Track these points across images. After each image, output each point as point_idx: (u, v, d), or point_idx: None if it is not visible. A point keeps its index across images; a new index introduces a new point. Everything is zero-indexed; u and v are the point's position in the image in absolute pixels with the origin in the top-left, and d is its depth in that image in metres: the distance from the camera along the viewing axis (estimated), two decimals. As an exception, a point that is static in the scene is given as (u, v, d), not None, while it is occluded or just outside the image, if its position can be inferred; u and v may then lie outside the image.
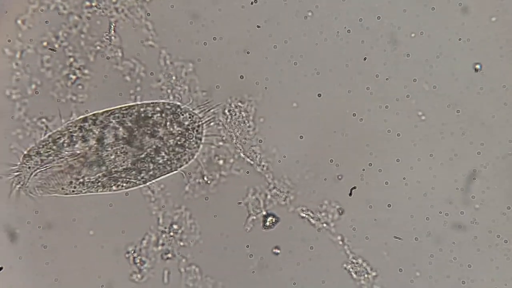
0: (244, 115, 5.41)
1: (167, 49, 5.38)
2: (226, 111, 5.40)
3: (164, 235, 5.45)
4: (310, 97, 5.49)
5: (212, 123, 5.39)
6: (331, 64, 5.50)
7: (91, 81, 5.39)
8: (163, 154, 5.27)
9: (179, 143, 5.29)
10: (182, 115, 5.31)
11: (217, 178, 5.44)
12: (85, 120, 5.28)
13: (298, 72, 5.49)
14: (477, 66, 5.44)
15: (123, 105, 5.32)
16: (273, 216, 5.50)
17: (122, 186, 5.31)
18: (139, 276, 5.47)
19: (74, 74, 5.36)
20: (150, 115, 5.27)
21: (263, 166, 5.45)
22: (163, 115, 5.29)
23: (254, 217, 5.47)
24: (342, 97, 5.50)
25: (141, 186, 5.36)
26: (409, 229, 5.51)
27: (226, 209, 5.49)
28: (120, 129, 5.23)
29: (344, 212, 5.49)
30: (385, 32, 5.48)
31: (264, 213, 5.48)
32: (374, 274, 5.49)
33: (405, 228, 5.51)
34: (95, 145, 5.23)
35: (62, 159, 5.25)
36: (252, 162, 5.43)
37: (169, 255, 5.47)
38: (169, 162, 5.31)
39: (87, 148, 5.24)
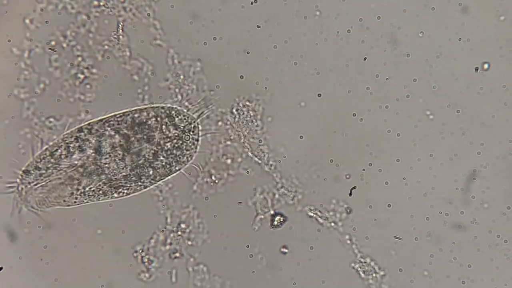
0: (252, 114, 5.41)
1: (174, 48, 5.39)
2: (234, 110, 5.40)
3: (172, 234, 5.45)
4: (310, 97, 5.49)
5: (207, 118, 5.39)
6: (331, 64, 5.50)
7: (99, 80, 5.39)
8: (161, 158, 5.27)
9: (176, 145, 5.28)
10: (177, 117, 5.30)
11: (225, 177, 5.45)
12: (80, 130, 5.27)
13: (298, 72, 5.49)
14: (485, 66, 5.44)
15: (117, 112, 5.31)
16: (281, 215, 5.50)
17: (123, 192, 5.31)
18: (147, 275, 5.47)
19: (82, 73, 5.36)
20: (145, 120, 5.26)
21: (271, 165, 5.45)
22: (158, 119, 5.28)
23: (262, 216, 5.47)
24: (342, 97, 5.51)
25: (143, 190, 5.36)
26: (409, 229, 5.51)
27: (233, 209, 5.49)
28: (116, 136, 5.22)
29: (353, 211, 5.49)
30: (385, 32, 5.48)
31: (272, 212, 5.49)
32: (382, 273, 5.50)
33: (405, 228, 5.51)
34: (93, 155, 5.22)
35: (61, 171, 5.24)
36: (260, 161, 5.43)
37: (177, 254, 5.47)
38: (168, 166, 5.30)
39: (85, 158, 5.23)
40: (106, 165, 5.22)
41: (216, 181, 5.44)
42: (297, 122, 5.49)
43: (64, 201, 5.27)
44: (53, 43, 5.29)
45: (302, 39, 5.48)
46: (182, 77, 5.33)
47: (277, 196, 5.48)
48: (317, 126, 5.51)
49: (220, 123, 5.42)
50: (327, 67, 5.50)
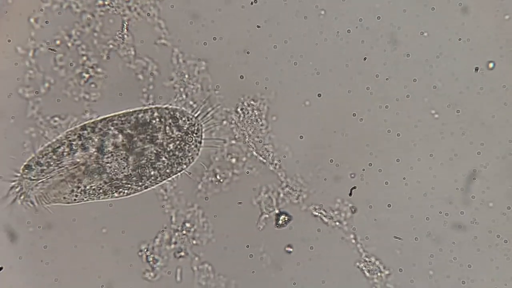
0: (256, 113, 5.41)
1: (179, 48, 5.39)
2: (239, 109, 5.40)
3: (176, 234, 5.45)
4: (310, 97, 5.49)
5: (211, 125, 5.39)
6: (331, 64, 5.50)
7: (104, 80, 5.39)
8: (163, 159, 5.27)
9: (179, 147, 5.28)
10: (181, 118, 5.30)
11: (229, 177, 5.45)
12: (83, 128, 5.27)
13: (298, 72, 5.49)
14: (491, 65, 5.44)
15: (120, 112, 5.31)
16: (286, 214, 5.50)
17: (124, 192, 5.31)
18: (152, 274, 5.47)
19: (87, 72, 5.36)
20: (148, 121, 5.26)
21: (276, 164, 5.45)
22: (162, 119, 5.28)
23: (267, 216, 5.47)
24: (342, 97, 5.50)
25: (144, 191, 5.36)
26: (409, 229, 5.51)
27: (237, 208, 5.48)
28: (120, 136, 5.22)
29: (357, 211, 5.49)
30: (385, 32, 5.48)
31: (276, 211, 5.48)
32: (387, 272, 5.50)
33: (405, 228, 5.51)
34: (95, 153, 5.22)
35: (62, 168, 5.24)
36: (264, 161, 5.43)
37: (182, 253, 5.47)
38: (170, 167, 5.30)
39: (87, 156, 5.23)
40: (108, 164, 5.22)
41: (221, 181, 5.44)
42: (299, 122, 5.49)
43: (64, 198, 5.28)
44: (57, 42, 5.28)
45: (302, 39, 5.48)
46: (186, 76, 5.33)
47: (281, 195, 5.48)
48: (317, 126, 5.51)
49: (224, 122, 5.42)
50: (327, 67, 5.50)
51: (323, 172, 5.51)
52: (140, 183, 5.29)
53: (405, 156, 5.52)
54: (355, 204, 5.51)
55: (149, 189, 5.35)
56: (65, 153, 5.24)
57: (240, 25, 5.47)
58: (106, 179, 5.24)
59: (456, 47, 5.48)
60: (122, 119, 5.27)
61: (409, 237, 5.51)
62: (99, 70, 5.37)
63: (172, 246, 5.47)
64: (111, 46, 5.36)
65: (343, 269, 5.53)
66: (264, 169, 5.47)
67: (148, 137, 5.25)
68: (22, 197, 5.26)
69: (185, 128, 5.29)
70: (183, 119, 5.31)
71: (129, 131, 5.24)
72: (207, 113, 5.39)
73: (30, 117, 5.34)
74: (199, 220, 5.46)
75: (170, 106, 5.33)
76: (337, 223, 5.48)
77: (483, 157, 5.50)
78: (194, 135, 5.32)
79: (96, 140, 5.23)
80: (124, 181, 5.25)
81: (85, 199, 5.29)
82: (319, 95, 5.48)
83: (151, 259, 5.45)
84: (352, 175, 5.48)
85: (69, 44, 5.35)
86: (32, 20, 5.34)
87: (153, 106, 5.31)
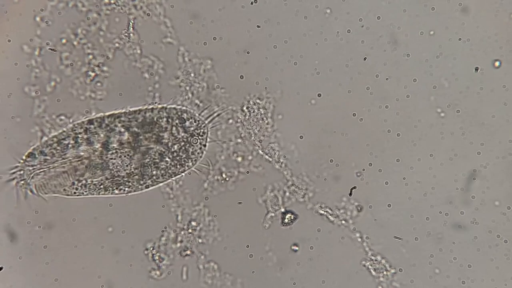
0: (262, 112, 5.41)
1: (185, 46, 5.39)
2: (245, 108, 5.40)
3: (182, 232, 5.45)
4: (310, 97, 5.49)
5: (217, 127, 5.40)
6: (331, 64, 5.50)
7: (110, 78, 5.39)
8: (167, 159, 5.27)
9: (183, 148, 5.28)
10: (188, 120, 5.30)
11: (235, 175, 5.45)
12: (90, 122, 5.27)
13: (298, 72, 5.49)
14: (497, 63, 5.44)
15: (128, 109, 5.31)
16: (292, 213, 5.50)
17: (124, 190, 5.31)
18: (158, 272, 5.47)
19: (93, 71, 5.36)
20: (156, 120, 5.27)
21: (282, 163, 5.45)
22: (169, 120, 5.28)
23: (273, 214, 5.47)
24: (342, 97, 5.51)
25: (144, 190, 5.36)
26: (409, 229, 5.51)
27: (242, 207, 5.49)
28: (126, 133, 5.22)
29: (363, 209, 5.49)
30: (385, 32, 5.48)
31: (282, 210, 5.48)
32: (393, 271, 5.50)
33: (405, 228, 5.51)
34: (100, 149, 5.22)
35: (65, 160, 5.24)
36: (270, 159, 5.43)
37: (188, 252, 5.47)
38: (172, 168, 5.30)
39: (91, 151, 5.23)
40: (112, 161, 5.22)
41: (227, 179, 5.44)
42: (301, 121, 5.49)
43: (64, 190, 5.27)
44: (63, 41, 5.28)
45: (302, 39, 5.48)
46: (192, 75, 5.33)
47: (287, 194, 5.48)
48: (317, 126, 5.51)
49: (230, 121, 5.42)
50: (327, 67, 5.50)
51: (323, 173, 5.51)
52: (141, 182, 5.29)
53: (405, 156, 5.52)
54: (356, 203, 5.51)
55: (150, 188, 5.35)
56: (70, 146, 5.24)
57: (240, 25, 5.47)
58: (108, 175, 5.24)
59: (456, 47, 5.48)
60: (130, 116, 5.27)
61: (409, 237, 5.51)
62: (105, 68, 5.37)
63: (178, 244, 5.47)
64: (117, 44, 5.36)
65: (343, 269, 5.52)
66: (270, 168, 5.47)
67: (154, 136, 5.25)
68: (22, 183, 5.26)
69: (191, 129, 5.29)
70: (190, 120, 5.31)
71: (135, 129, 5.24)
72: (214, 112, 5.39)
73: (36, 115, 5.35)
74: (205, 219, 5.46)
75: (179, 107, 5.33)
76: (343, 222, 5.48)
77: (483, 157, 5.50)
78: (200, 137, 5.32)
79: (102, 135, 5.23)
80: (126, 179, 5.26)
81: (85, 193, 5.29)
82: (319, 95, 5.49)
83: (157, 257, 5.45)
84: (358, 174, 5.47)
85: (75, 43, 5.35)
86: (37, 18, 5.35)
87: (160, 106, 5.31)
